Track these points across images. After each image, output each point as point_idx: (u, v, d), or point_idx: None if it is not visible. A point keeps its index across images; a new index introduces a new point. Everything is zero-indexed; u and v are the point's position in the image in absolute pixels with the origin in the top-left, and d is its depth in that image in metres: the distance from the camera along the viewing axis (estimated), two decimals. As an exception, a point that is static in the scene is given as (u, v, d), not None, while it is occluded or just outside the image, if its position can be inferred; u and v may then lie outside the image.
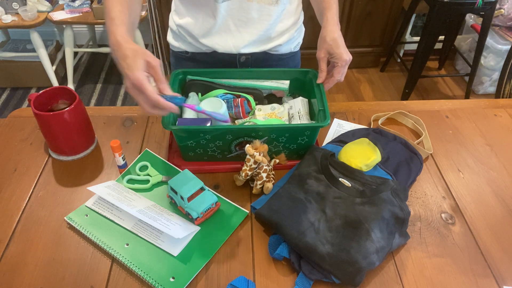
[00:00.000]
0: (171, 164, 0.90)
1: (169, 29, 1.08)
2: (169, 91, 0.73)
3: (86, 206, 0.81)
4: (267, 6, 0.94)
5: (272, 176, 0.84)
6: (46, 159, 0.93)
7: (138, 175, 0.88)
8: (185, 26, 1.00)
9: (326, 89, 0.91)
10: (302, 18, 1.09)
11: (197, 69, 0.96)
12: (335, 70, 0.88)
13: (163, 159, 0.91)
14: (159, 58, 2.59)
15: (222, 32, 0.98)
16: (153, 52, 2.58)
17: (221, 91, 0.95)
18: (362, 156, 0.84)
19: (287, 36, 1.04)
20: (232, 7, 0.93)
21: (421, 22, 2.82)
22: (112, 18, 0.74)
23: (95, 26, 2.88)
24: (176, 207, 0.81)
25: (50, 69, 2.47)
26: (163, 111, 0.72)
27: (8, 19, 2.21)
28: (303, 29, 1.13)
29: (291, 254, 0.71)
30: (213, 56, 1.03)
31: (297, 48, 1.13)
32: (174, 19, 1.03)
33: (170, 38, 1.08)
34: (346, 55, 0.86)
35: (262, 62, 1.06)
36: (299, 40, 1.12)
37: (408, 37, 2.84)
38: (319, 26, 0.97)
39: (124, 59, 0.69)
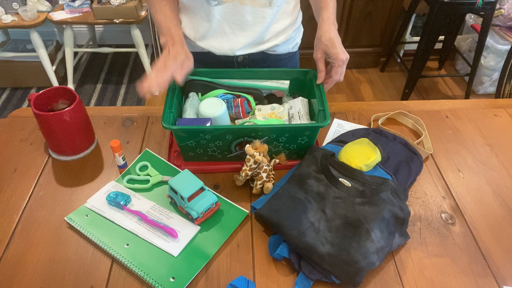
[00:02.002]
0: (171, 164, 0.90)
1: None
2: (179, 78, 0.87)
3: (86, 206, 0.81)
4: (261, 8, 0.94)
5: (272, 176, 0.84)
6: (46, 159, 0.93)
7: (138, 175, 0.88)
8: (183, 28, 1.00)
9: (325, 89, 0.91)
10: (300, 18, 1.08)
11: (197, 69, 0.96)
12: (332, 70, 0.88)
13: (163, 159, 0.91)
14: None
15: (218, 35, 0.98)
16: (153, 52, 2.58)
17: (221, 91, 0.95)
18: (362, 156, 0.84)
19: (284, 37, 1.04)
20: (227, 10, 0.93)
21: (421, 22, 2.82)
22: (165, 15, 0.91)
23: (95, 26, 2.88)
24: (176, 207, 0.81)
25: (50, 69, 2.47)
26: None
27: (8, 19, 2.21)
28: (302, 29, 1.13)
29: (291, 254, 0.71)
30: (210, 56, 1.04)
31: (295, 49, 1.13)
32: None
33: None
34: (342, 55, 0.86)
35: (260, 62, 1.06)
36: (298, 40, 1.11)
37: (408, 37, 2.84)
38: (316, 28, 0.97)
39: (174, 53, 0.87)
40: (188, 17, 0.98)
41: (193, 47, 1.03)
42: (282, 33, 1.02)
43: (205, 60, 1.05)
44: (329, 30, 0.87)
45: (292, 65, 1.14)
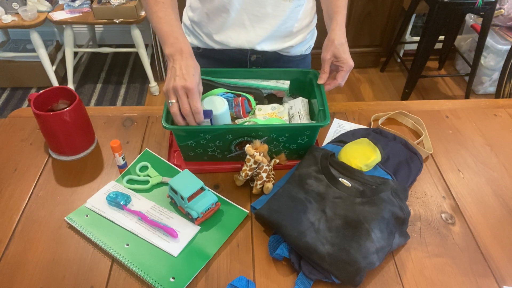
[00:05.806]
0: (171, 164, 0.90)
1: (182, 24, 1.08)
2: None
3: (86, 206, 0.81)
4: (282, 1, 0.95)
5: (272, 176, 0.84)
6: (46, 159, 0.93)
7: (138, 175, 0.88)
8: (199, 22, 1.01)
9: (326, 90, 0.92)
10: (315, 21, 1.09)
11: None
12: (339, 74, 0.89)
13: (163, 159, 0.91)
14: (159, 59, 2.60)
15: (236, 27, 0.98)
16: (153, 52, 2.58)
17: (221, 90, 0.95)
18: (362, 156, 0.84)
19: (300, 38, 1.05)
20: (247, 1, 0.93)
21: (421, 22, 2.82)
22: (170, 24, 0.83)
23: (95, 26, 2.88)
24: (176, 207, 0.81)
25: (50, 69, 2.47)
26: (192, 120, 0.78)
27: (8, 19, 2.21)
28: (316, 32, 1.14)
29: (291, 254, 0.71)
30: (224, 54, 1.04)
31: (308, 51, 1.14)
32: (189, 15, 1.04)
33: None
34: (351, 62, 0.89)
35: (273, 62, 1.07)
36: (311, 43, 1.12)
37: (408, 37, 2.84)
38: (323, 29, 0.97)
39: (186, 68, 0.77)
40: (206, 6, 0.97)
41: (207, 44, 1.04)
42: (299, 33, 1.03)
43: (219, 58, 1.05)
44: (342, 35, 0.89)
45: (303, 67, 1.15)
